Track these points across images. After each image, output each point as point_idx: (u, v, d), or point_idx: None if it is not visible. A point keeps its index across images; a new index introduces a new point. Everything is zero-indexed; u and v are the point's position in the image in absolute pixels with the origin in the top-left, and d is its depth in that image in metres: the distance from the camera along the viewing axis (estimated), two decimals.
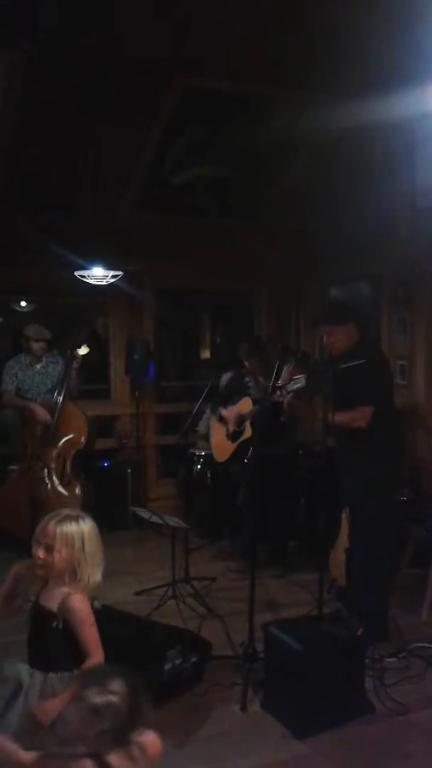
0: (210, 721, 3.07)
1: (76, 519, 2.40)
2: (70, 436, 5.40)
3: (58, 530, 2.35)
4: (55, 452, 5.36)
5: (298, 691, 3.02)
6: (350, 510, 3.87)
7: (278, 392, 4.55)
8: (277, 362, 3.73)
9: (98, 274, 5.66)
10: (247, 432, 5.27)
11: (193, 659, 3.33)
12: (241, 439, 5.33)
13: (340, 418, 3.51)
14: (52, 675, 2.33)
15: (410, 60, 4.01)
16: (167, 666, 3.21)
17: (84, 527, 2.39)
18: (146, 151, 5.26)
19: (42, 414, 5.33)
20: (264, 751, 2.88)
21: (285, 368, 3.80)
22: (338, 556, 4.10)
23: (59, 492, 5.30)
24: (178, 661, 3.26)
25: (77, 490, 5.33)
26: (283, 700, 3.10)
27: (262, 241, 6.32)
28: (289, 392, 4.26)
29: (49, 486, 5.31)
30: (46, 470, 5.32)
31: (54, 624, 2.34)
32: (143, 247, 5.92)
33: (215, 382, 5.47)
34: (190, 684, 3.30)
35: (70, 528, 2.36)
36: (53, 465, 5.34)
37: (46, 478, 5.31)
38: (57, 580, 2.37)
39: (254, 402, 5.24)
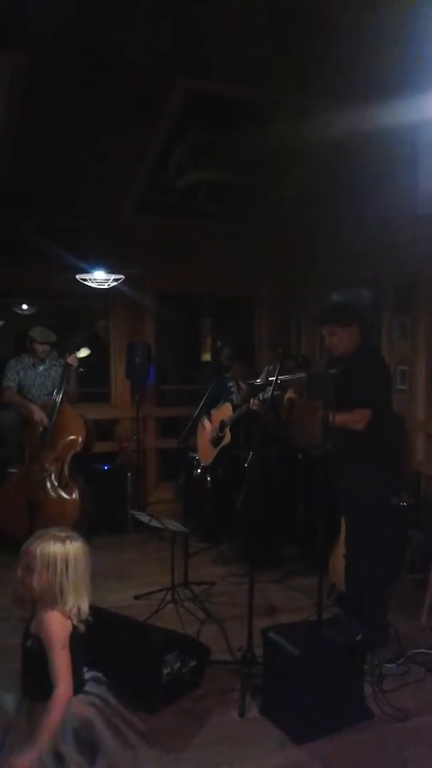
0: (208, 727, 3.06)
1: (62, 540, 2.25)
2: (68, 438, 5.40)
3: (39, 551, 2.21)
4: (53, 455, 5.36)
5: (297, 697, 3.01)
6: (346, 514, 3.86)
7: (252, 399, 4.64)
8: (278, 366, 3.73)
9: (100, 278, 5.67)
10: (227, 437, 5.34)
11: (192, 664, 3.32)
12: (222, 444, 5.39)
13: (338, 419, 3.51)
14: (37, 704, 2.21)
15: (413, 66, 4.01)
16: (166, 671, 3.20)
17: (69, 549, 2.24)
18: (148, 155, 5.27)
19: (39, 415, 5.33)
20: (262, 757, 2.87)
21: (266, 371, 3.82)
22: (337, 561, 4.09)
23: (57, 495, 5.30)
24: (176, 666, 3.25)
25: (75, 493, 5.33)
26: (282, 706, 3.09)
27: (264, 245, 6.32)
28: (262, 399, 4.34)
29: (46, 488, 5.31)
30: (43, 473, 5.33)
31: (29, 643, 2.23)
32: (145, 250, 5.93)
33: (215, 386, 5.48)
34: (188, 689, 3.30)
35: (53, 549, 2.21)
36: (51, 468, 5.35)
37: (44, 481, 5.32)
38: (41, 603, 2.24)
39: (234, 408, 5.32)
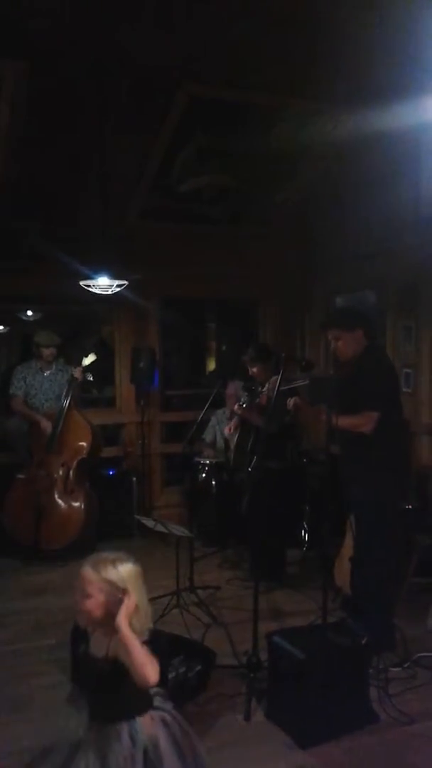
0: (214, 731, 3.06)
1: (113, 562, 2.27)
2: (75, 445, 5.42)
3: (93, 576, 2.23)
4: (59, 461, 5.38)
5: (302, 701, 3.01)
6: (354, 517, 3.86)
7: (236, 404, 4.66)
8: (280, 370, 3.73)
9: (104, 284, 5.67)
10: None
11: (197, 668, 3.32)
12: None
13: (345, 422, 3.50)
14: (109, 727, 2.21)
15: (415, 70, 4.02)
16: (171, 675, 3.19)
17: (121, 571, 2.26)
18: (152, 160, 5.29)
19: (45, 425, 5.36)
20: (268, 761, 2.87)
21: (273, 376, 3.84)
22: (343, 565, 4.09)
23: (62, 501, 5.32)
24: (182, 670, 3.25)
25: (80, 499, 5.34)
26: (287, 710, 3.09)
27: (268, 249, 6.33)
28: (242, 404, 4.39)
29: (52, 494, 5.32)
30: (49, 479, 5.34)
31: (99, 665, 2.23)
32: (149, 255, 5.94)
33: (221, 391, 5.47)
34: (194, 693, 3.29)
35: (106, 574, 2.23)
36: (57, 473, 5.36)
37: (50, 487, 5.33)
38: (101, 629, 2.25)
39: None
